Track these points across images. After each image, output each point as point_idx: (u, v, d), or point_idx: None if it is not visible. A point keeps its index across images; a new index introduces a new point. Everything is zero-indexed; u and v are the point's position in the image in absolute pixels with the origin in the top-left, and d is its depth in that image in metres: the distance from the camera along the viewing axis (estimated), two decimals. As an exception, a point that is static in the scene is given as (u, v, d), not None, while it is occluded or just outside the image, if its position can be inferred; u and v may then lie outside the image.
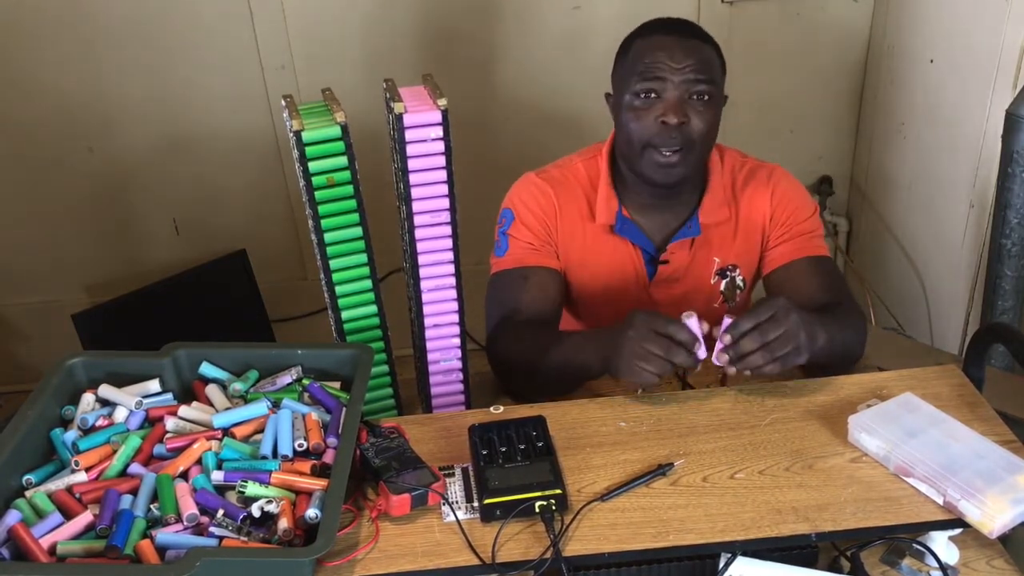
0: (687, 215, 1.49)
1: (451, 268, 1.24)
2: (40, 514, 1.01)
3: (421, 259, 1.23)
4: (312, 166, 1.15)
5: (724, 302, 1.54)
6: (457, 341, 1.31)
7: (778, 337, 1.16)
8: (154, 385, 1.18)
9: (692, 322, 1.19)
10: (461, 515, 1.05)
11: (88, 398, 1.16)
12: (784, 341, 1.16)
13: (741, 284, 1.53)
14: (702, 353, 1.18)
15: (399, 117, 1.12)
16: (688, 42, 1.37)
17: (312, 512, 0.98)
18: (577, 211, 1.50)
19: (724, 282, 1.53)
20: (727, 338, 1.17)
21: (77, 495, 1.04)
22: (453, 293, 1.26)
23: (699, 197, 1.49)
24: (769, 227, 1.50)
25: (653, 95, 1.37)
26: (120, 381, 1.18)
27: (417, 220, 1.19)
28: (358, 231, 1.21)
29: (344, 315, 1.27)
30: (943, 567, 1.05)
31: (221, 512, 0.99)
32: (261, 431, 1.11)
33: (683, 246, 1.50)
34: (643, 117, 1.38)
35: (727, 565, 1.01)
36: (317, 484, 1.02)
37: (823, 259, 1.47)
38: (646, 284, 1.53)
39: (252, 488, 1.01)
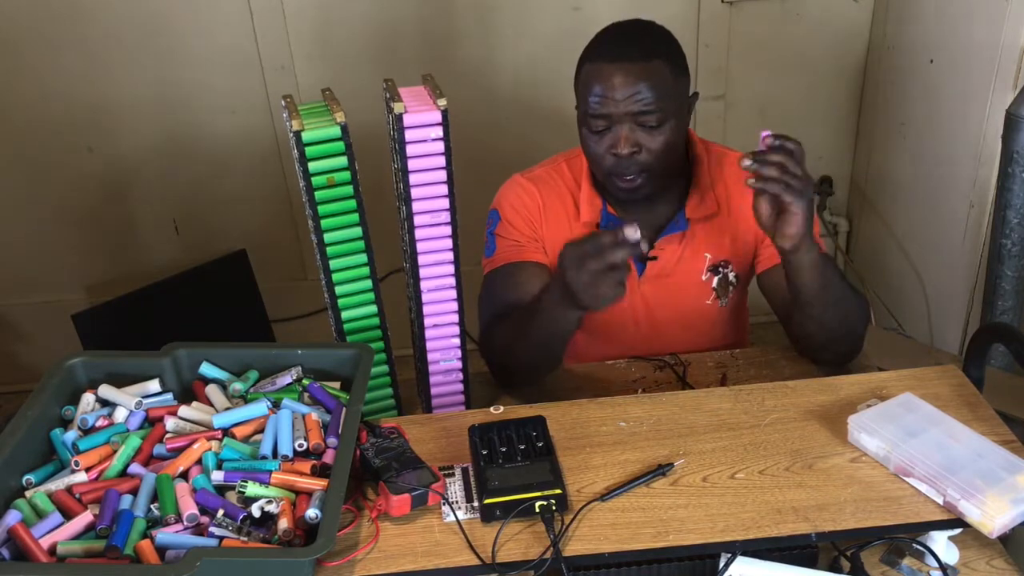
0: (674, 210, 1.50)
1: (451, 268, 1.24)
2: (40, 514, 1.01)
3: (421, 259, 1.23)
4: (312, 166, 1.15)
5: (716, 298, 1.54)
6: (457, 341, 1.31)
7: (797, 175, 1.19)
8: (154, 385, 1.18)
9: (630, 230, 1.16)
10: (461, 515, 1.05)
11: (88, 398, 1.16)
12: (796, 179, 1.19)
13: (734, 280, 1.54)
14: (633, 234, 1.12)
15: (399, 117, 1.12)
16: (632, 67, 1.34)
17: (312, 512, 0.98)
18: (563, 209, 1.51)
19: (716, 278, 1.52)
20: (768, 140, 1.20)
21: (77, 495, 1.04)
22: (453, 293, 1.26)
23: (686, 191, 1.49)
24: None
25: (602, 128, 1.37)
26: (120, 381, 1.18)
27: (417, 220, 1.19)
28: (358, 231, 1.21)
29: (344, 315, 1.27)
30: (943, 567, 1.05)
31: (221, 512, 0.99)
32: (261, 431, 1.11)
33: (672, 241, 1.50)
34: (597, 147, 1.39)
35: (727, 565, 1.01)
36: (317, 484, 1.02)
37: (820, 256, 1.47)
38: (636, 281, 1.53)
39: (252, 488, 1.01)
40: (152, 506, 1.02)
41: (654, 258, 1.50)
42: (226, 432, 1.12)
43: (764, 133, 1.22)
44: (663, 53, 1.37)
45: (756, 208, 1.24)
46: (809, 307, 1.34)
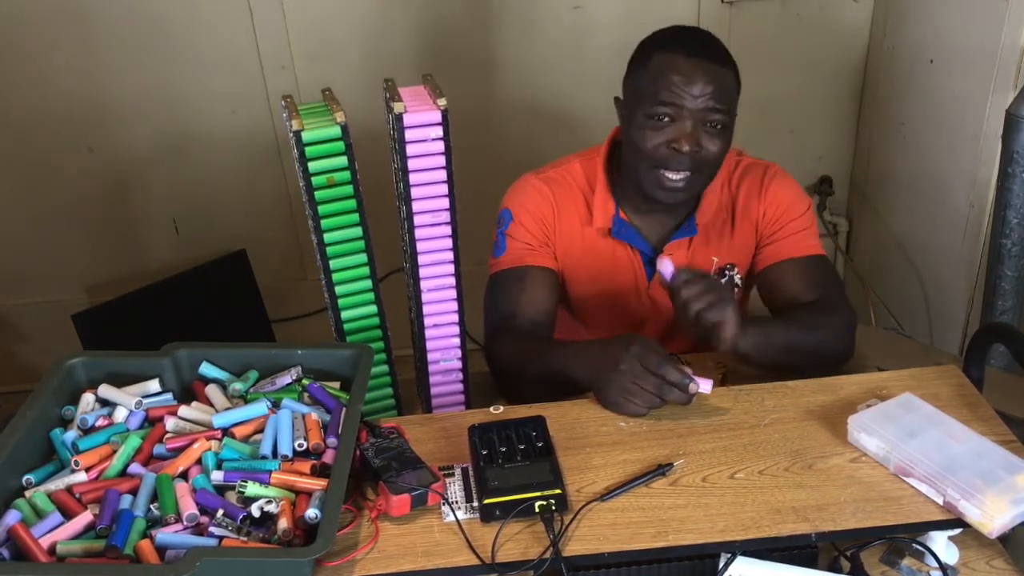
0: (684, 216, 1.50)
1: (451, 268, 1.24)
2: (40, 514, 1.01)
3: (421, 259, 1.23)
4: (312, 166, 1.15)
5: None
6: (457, 341, 1.31)
7: (709, 294, 1.23)
8: (154, 385, 1.18)
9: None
10: (461, 515, 1.05)
11: (88, 398, 1.16)
12: (710, 296, 1.23)
13: (739, 283, 1.54)
14: (704, 387, 1.17)
15: (399, 117, 1.12)
16: (710, 68, 1.35)
17: (312, 512, 0.98)
18: (575, 212, 1.50)
19: (722, 281, 1.53)
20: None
21: (77, 495, 1.04)
22: (453, 293, 1.26)
23: (696, 198, 1.49)
24: (762, 225, 1.50)
25: (667, 119, 1.36)
26: (120, 381, 1.18)
27: (417, 220, 1.19)
28: (358, 231, 1.21)
29: (344, 315, 1.28)
30: (943, 567, 1.05)
31: (221, 512, 0.99)
32: (261, 431, 1.11)
33: (681, 246, 1.50)
34: (654, 139, 1.37)
35: (727, 565, 1.01)
36: (317, 484, 1.02)
37: (813, 258, 1.47)
38: (645, 286, 1.53)
39: (252, 488, 1.01)
40: (152, 506, 1.02)
41: None
42: (226, 432, 1.12)
43: (667, 268, 1.26)
44: (732, 65, 1.39)
45: (686, 329, 1.27)
46: (775, 367, 1.36)
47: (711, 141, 1.36)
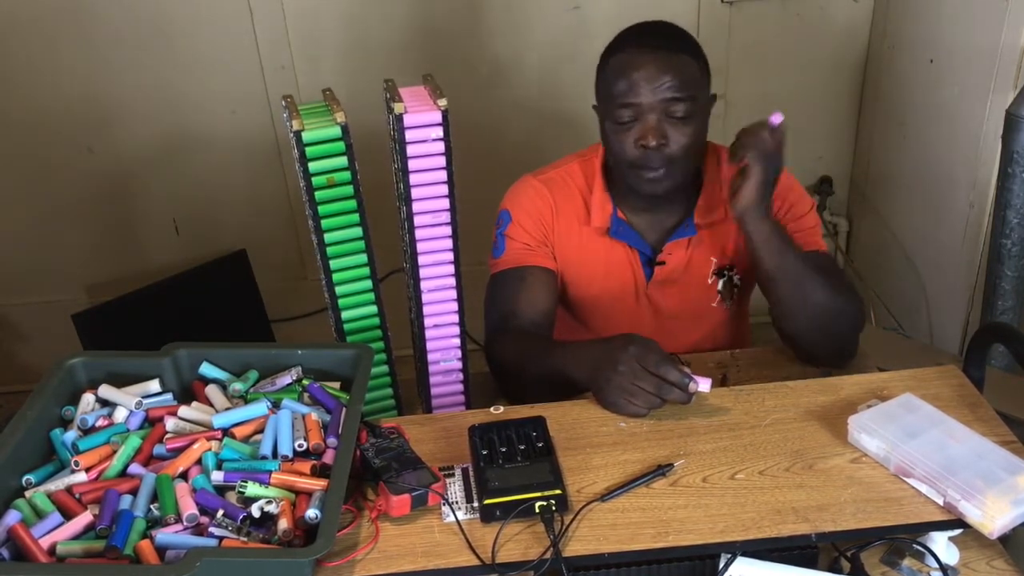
0: (683, 215, 1.50)
1: (451, 268, 1.24)
2: (40, 514, 1.01)
3: (421, 259, 1.23)
4: (312, 166, 1.15)
5: (721, 301, 1.54)
6: (457, 341, 1.31)
7: (768, 144, 1.34)
8: (154, 385, 1.18)
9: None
10: (461, 515, 1.05)
11: (88, 398, 1.16)
12: (765, 146, 1.33)
13: (738, 283, 1.54)
14: (703, 386, 1.17)
15: (399, 117, 1.12)
16: (662, 57, 1.34)
17: (312, 512, 0.98)
18: (574, 212, 1.51)
19: (721, 282, 1.53)
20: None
21: (77, 495, 1.04)
22: (453, 293, 1.26)
23: (695, 197, 1.49)
24: None
25: (630, 118, 1.36)
26: (120, 381, 1.18)
27: (417, 220, 1.19)
28: (358, 231, 1.21)
29: (344, 315, 1.28)
30: (943, 567, 1.05)
31: (221, 512, 0.99)
32: (261, 431, 1.11)
33: (679, 246, 1.50)
34: (623, 140, 1.38)
35: (727, 565, 1.01)
36: (317, 484, 1.02)
37: (818, 253, 1.46)
38: (644, 285, 1.53)
39: (252, 488, 1.01)
40: (152, 506, 1.02)
41: (662, 263, 1.50)
42: (226, 432, 1.12)
43: (776, 118, 1.33)
44: (690, 49, 1.39)
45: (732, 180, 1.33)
46: (772, 284, 1.36)
47: (678, 132, 1.36)
